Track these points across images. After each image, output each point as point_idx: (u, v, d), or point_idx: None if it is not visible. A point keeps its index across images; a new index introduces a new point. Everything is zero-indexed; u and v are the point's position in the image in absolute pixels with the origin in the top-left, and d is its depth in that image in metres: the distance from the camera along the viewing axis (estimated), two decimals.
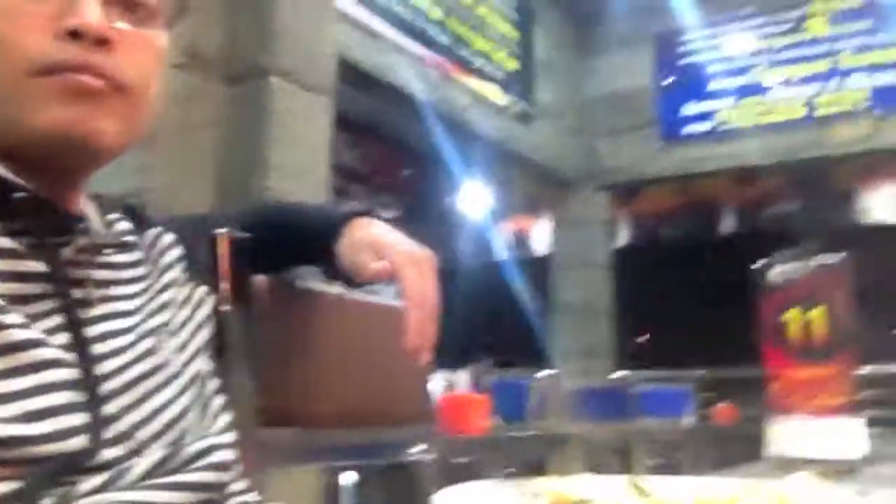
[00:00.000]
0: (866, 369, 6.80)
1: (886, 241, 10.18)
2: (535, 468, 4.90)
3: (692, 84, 9.82)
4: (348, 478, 3.30)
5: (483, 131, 8.28)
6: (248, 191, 3.59)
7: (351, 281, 1.25)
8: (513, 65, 8.99)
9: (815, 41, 9.30)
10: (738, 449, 6.87)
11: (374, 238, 1.21)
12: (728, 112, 9.59)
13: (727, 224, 10.03)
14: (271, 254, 1.26)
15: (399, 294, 1.19)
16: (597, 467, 5.25)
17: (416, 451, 2.93)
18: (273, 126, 3.78)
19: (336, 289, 1.43)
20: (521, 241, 11.16)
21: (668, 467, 5.99)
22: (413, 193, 9.62)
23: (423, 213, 9.76)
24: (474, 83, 8.28)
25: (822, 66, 9.22)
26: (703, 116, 9.70)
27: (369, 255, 1.19)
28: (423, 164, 8.57)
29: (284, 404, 1.44)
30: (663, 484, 1.15)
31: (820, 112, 9.09)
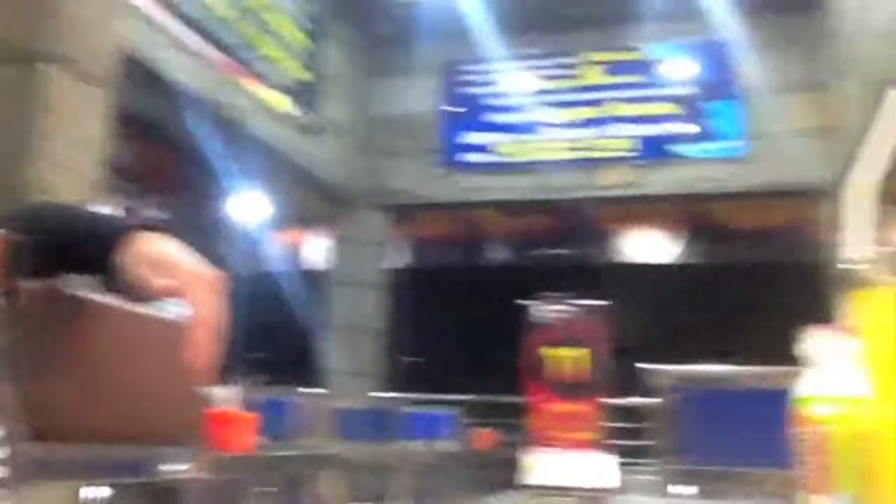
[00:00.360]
0: (616, 402, 7.25)
1: (640, 281, 10.88)
2: (297, 488, 4.84)
3: (474, 115, 10.14)
4: (99, 494, 3.12)
5: (265, 139, 8.14)
6: (12, 182, 3.33)
7: (131, 294, 1.18)
8: (302, 76, 8.92)
9: (589, 88, 9.85)
10: (496, 474, 7.11)
11: (161, 254, 1.14)
12: (506, 146, 9.97)
13: (498, 255, 10.38)
14: (47, 258, 1.17)
15: (180, 311, 1.14)
16: (357, 488, 5.25)
17: (177, 469, 2.82)
18: (43, 115, 3.53)
19: (111, 299, 1.35)
20: (295, 254, 11.05)
21: (428, 490, 6.08)
22: (186, 196, 9.30)
23: (194, 217, 9.46)
24: (259, 89, 8.14)
25: (593, 112, 9.77)
26: (482, 147, 10.03)
27: (154, 270, 1.13)
28: (198, 166, 8.30)
29: (48, 417, 1.34)
30: None
31: (589, 155, 9.62)
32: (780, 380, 2.82)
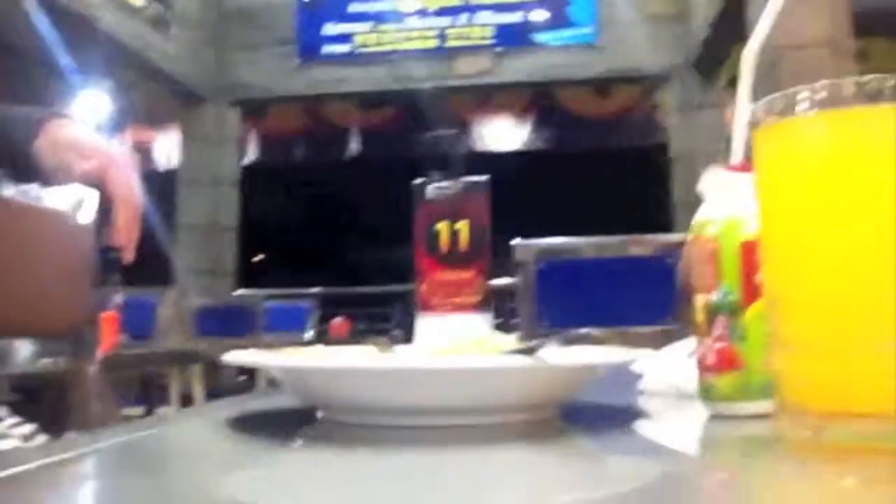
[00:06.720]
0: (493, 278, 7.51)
1: (495, 168, 11.07)
2: (159, 386, 4.86)
3: (332, 5, 9.90)
4: None
5: (113, 33, 7.76)
6: None
7: (47, 180, 1.19)
8: None
9: None
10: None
11: (76, 138, 1.16)
12: (362, 36, 9.82)
13: (353, 148, 10.28)
14: None
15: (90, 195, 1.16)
16: (220, 383, 5.30)
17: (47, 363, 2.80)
18: None
19: (11, 191, 1.34)
20: (143, 154, 10.68)
21: None
22: (26, 96, 8.77)
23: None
24: None
25: (453, 0, 9.70)
26: (338, 38, 9.84)
27: (73, 155, 1.15)
28: (39, 65, 7.84)
29: None
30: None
31: (446, 44, 9.61)
32: (633, 247, 3.01)
